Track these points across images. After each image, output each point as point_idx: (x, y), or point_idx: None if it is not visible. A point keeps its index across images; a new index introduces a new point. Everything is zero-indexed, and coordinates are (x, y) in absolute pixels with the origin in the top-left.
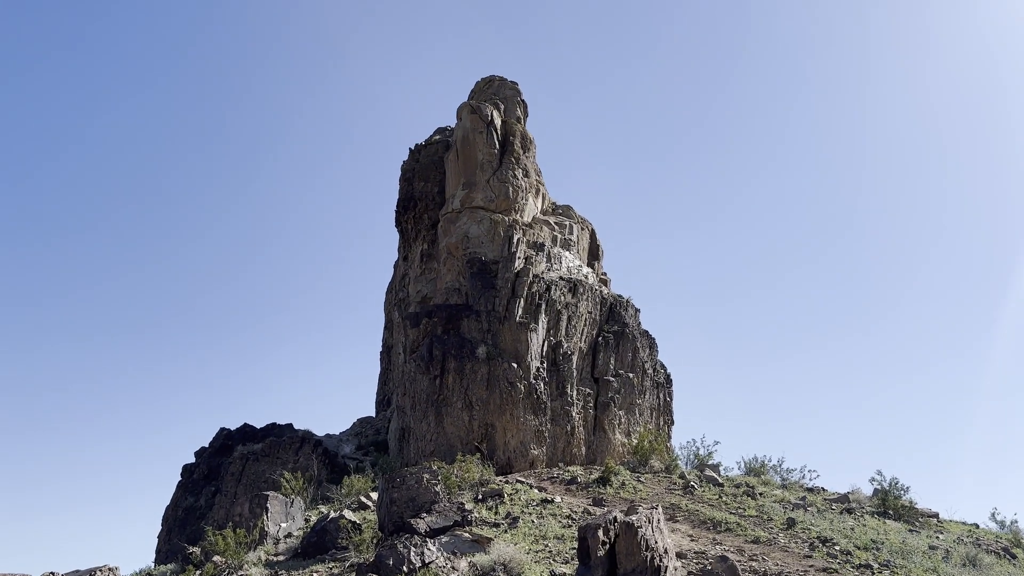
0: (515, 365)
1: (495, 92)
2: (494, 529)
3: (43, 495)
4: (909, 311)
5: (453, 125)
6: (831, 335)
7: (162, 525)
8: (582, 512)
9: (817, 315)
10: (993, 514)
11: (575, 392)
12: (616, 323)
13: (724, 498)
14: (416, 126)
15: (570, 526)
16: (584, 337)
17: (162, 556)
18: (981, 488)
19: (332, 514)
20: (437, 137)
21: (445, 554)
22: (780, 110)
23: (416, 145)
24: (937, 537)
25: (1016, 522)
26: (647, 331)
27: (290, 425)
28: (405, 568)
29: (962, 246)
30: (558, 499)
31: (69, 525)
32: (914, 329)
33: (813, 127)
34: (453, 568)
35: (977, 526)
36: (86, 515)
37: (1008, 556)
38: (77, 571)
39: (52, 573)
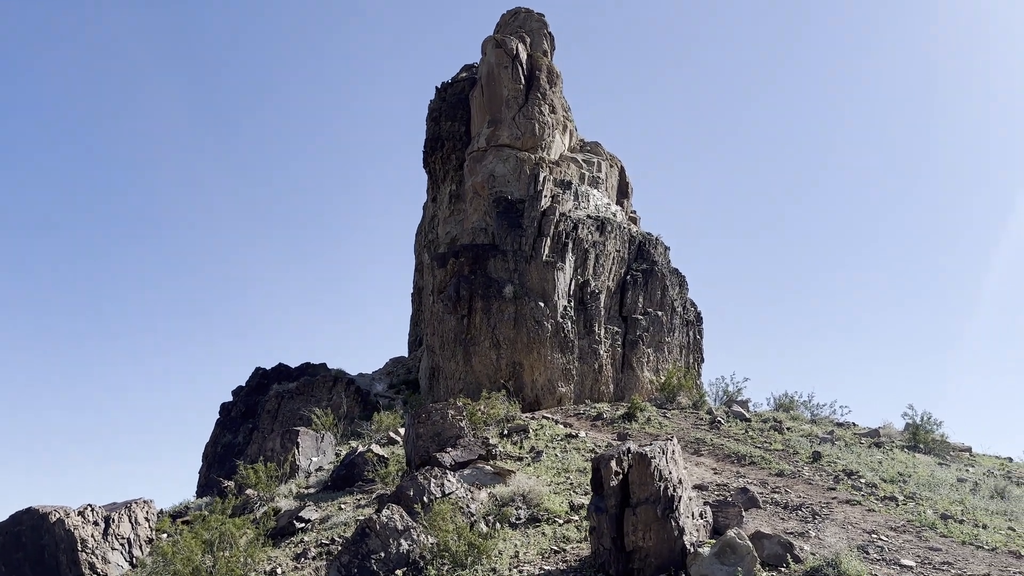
0: (542, 304)
1: (521, 25)
2: (517, 463)
3: (95, 435)
4: (945, 247)
5: (479, 61)
6: (866, 270)
7: (203, 461)
8: (606, 446)
9: (852, 250)
10: None
11: (603, 330)
12: (645, 261)
13: (751, 433)
14: (444, 63)
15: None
16: (612, 275)
17: (202, 490)
18: (1018, 424)
19: (360, 448)
20: (464, 74)
21: (466, 485)
22: (813, 36)
23: (442, 83)
24: (967, 470)
25: None
26: (677, 269)
27: (324, 364)
28: (425, 498)
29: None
30: (583, 434)
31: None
32: (950, 266)
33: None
34: (472, 499)
35: (1011, 459)
36: (136, 453)
37: None
38: (114, 503)
39: (89, 505)
